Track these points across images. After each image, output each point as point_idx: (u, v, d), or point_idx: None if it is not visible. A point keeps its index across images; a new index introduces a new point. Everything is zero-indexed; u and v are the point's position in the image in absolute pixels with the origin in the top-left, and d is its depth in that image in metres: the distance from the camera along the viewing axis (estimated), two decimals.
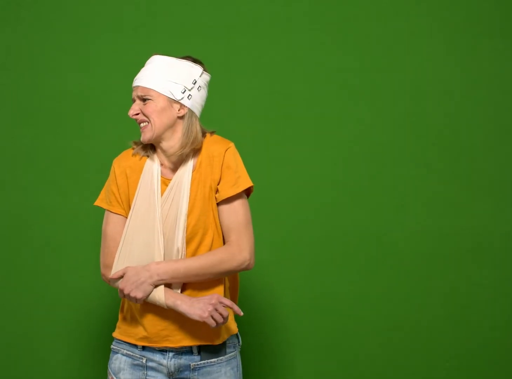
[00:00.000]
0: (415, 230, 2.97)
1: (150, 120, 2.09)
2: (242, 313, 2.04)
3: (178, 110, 2.11)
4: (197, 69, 2.14)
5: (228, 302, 2.03)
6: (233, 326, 2.17)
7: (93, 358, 2.92)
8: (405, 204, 2.97)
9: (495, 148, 2.99)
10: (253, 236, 2.11)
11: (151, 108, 2.09)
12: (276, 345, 2.95)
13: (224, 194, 2.09)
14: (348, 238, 2.96)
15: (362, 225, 2.96)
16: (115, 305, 2.87)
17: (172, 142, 2.12)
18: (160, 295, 2.05)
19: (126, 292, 2.04)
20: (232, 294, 2.22)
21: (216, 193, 2.11)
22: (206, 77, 2.19)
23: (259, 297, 2.95)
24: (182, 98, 2.10)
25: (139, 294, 2.04)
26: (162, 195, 2.12)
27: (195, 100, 2.14)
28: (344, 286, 2.96)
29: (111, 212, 2.16)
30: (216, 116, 2.94)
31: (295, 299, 2.95)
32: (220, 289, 2.12)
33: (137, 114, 2.10)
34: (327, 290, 2.96)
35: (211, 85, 2.94)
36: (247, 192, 2.15)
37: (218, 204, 2.11)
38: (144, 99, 2.10)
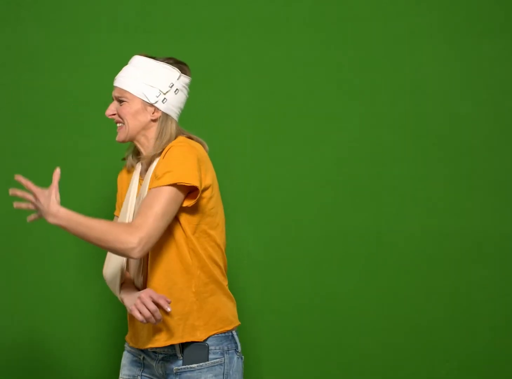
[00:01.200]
0: (415, 230, 2.96)
1: (124, 122, 2.14)
2: (169, 309, 1.99)
3: (152, 114, 2.14)
4: (175, 72, 2.14)
5: (155, 295, 1.99)
6: (199, 334, 2.09)
7: (93, 358, 2.92)
8: (405, 204, 2.97)
9: (495, 148, 2.99)
10: (159, 230, 1.98)
11: (125, 110, 2.13)
12: (275, 345, 2.95)
13: (152, 184, 2.05)
14: (348, 238, 2.96)
15: (362, 225, 2.96)
16: (115, 306, 2.87)
17: (146, 145, 2.16)
18: (117, 289, 2.12)
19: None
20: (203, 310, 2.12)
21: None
22: (185, 79, 2.18)
23: (259, 297, 2.95)
24: (156, 102, 2.12)
25: (36, 216, 2.01)
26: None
27: (171, 104, 2.14)
28: (344, 286, 2.96)
29: (115, 215, 2.31)
30: (216, 116, 2.94)
31: (294, 299, 2.95)
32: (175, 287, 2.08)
33: (113, 114, 2.16)
34: (327, 290, 2.95)
35: (211, 85, 2.95)
36: (189, 191, 2.06)
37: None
38: (120, 100, 2.14)
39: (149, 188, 2.06)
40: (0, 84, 2.89)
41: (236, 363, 2.14)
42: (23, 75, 2.89)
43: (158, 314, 2.00)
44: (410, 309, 2.97)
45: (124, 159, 2.29)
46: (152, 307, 1.99)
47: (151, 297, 2.00)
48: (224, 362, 2.11)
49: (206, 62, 2.94)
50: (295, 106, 2.95)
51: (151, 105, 2.13)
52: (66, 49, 2.90)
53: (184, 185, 2.03)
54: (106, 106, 2.98)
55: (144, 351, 2.17)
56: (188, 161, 2.04)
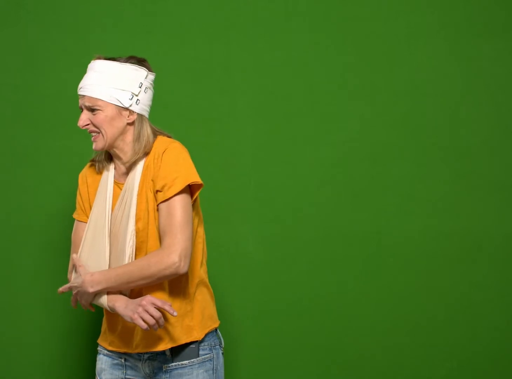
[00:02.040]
0: (415, 230, 2.97)
1: (101, 131, 2.09)
2: (175, 313, 1.99)
3: (128, 117, 2.11)
4: (141, 71, 2.11)
5: (159, 302, 1.98)
6: (196, 333, 2.11)
7: (92, 358, 2.92)
8: (405, 204, 2.97)
9: (495, 148, 2.99)
10: (188, 238, 2.02)
11: (100, 118, 2.08)
12: (274, 345, 2.95)
13: (161, 196, 2.04)
14: (348, 237, 2.96)
15: (362, 225, 2.96)
16: None
17: (125, 149, 2.13)
18: (103, 298, 2.08)
19: (77, 299, 2.11)
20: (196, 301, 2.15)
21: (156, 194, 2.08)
22: (151, 77, 2.16)
23: (258, 297, 2.95)
24: (130, 105, 2.09)
25: (82, 301, 2.10)
26: (117, 200, 2.13)
27: (143, 104, 2.13)
28: (343, 285, 2.96)
29: (76, 220, 2.24)
30: (216, 116, 2.94)
31: (294, 299, 2.95)
32: (160, 294, 2.08)
33: (87, 124, 2.10)
34: (326, 290, 2.95)
35: (211, 85, 2.95)
36: (194, 189, 2.09)
37: (157, 205, 2.06)
38: (92, 110, 2.09)
39: (159, 199, 2.03)
40: (0, 84, 2.89)
41: (221, 358, 2.19)
42: (23, 75, 2.89)
43: (162, 320, 2.00)
44: (410, 309, 2.97)
45: (93, 161, 2.24)
46: (157, 314, 1.98)
47: (153, 304, 1.99)
48: (213, 357, 2.14)
49: (206, 62, 2.94)
50: (295, 106, 2.95)
51: (126, 109, 2.10)
52: (66, 49, 2.90)
53: (191, 185, 2.06)
54: None
55: (126, 353, 2.16)
56: (187, 160, 2.07)
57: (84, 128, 2.12)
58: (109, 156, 2.20)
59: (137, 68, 2.10)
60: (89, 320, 2.91)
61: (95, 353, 2.90)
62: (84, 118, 2.11)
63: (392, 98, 2.97)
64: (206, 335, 2.14)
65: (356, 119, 2.97)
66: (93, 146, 2.13)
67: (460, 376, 2.97)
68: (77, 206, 2.25)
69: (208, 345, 2.14)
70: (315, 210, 2.96)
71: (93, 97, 2.08)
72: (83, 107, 2.11)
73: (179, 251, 1.99)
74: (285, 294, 2.95)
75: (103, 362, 2.21)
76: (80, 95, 2.12)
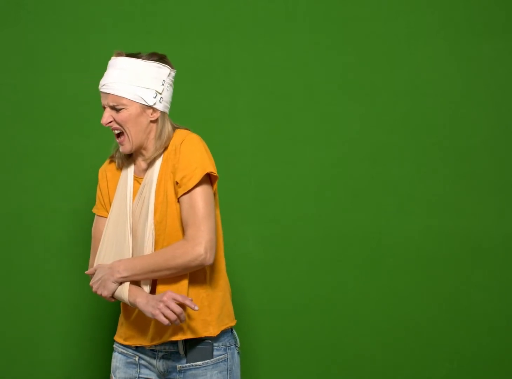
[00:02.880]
0: (415, 231, 2.96)
1: (125, 130, 2.09)
2: (197, 308, 1.99)
3: (151, 115, 2.11)
4: (165, 69, 2.11)
5: (180, 298, 1.99)
6: (212, 329, 2.11)
7: (92, 358, 2.92)
8: (405, 204, 2.97)
9: (495, 148, 2.99)
10: (212, 229, 2.03)
11: (124, 116, 2.08)
12: (274, 345, 2.95)
13: (182, 188, 2.05)
14: (348, 238, 2.96)
15: (362, 225, 2.96)
16: (115, 306, 2.87)
17: (148, 146, 2.13)
18: (124, 292, 2.07)
19: (94, 289, 2.09)
20: (212, 291, 2.14)
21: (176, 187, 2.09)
22: (173, 74, 2.16)
23: (258, 297, 2.95)
24: (154, 104, 2.09)
25: (104, 292, 2.07)
26: (135, 194, 2.14)
27: (166, 101, 2.14)
28: (343, 285, 2.96)
29: (96, 214, 2.23)
30: (216, 116, 2.94)
31: (294, 299, 2.95)
32: (183, 283, 2.08)
33: (111, 122, 2.10)
34: (326, 289, 2.95)
35: (211, 85, 2.95)
36: (213, 180, 2.10)
37: (178, 198, 2.07)
38: (116, 108, 2.08)
39: (180, 192, 2.04)
40: (0, 84, 2.89)
41: (237, 358, 2.18)
42: (23, 75, 2.89)
43: (184, 315, 2.01)
44: (410, 309, 2.97)
45: (112, 157, 2.24)
46: (178, 309, 1.99)
47: (174, 299, 1.99)
48: (227, 358, 2.14)
49: (206, 62, 2.94)
50: (295, 106, 2.95)
51: (150, 107, 2.10)
52: (66, 49, 2.90)
53: (210, 175, 2.07)
54: None
55: (141, 351, 2.16)
56: (205, 152, 2.09)
57: (107, 126, 2.12)
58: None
59: (161, 65, 2.11)
60: (89, 320, 2.91)
61: (96, 353, 2.91)
62: (107, 115, 2.10)
63: (392, 98, 2.97)
64: (221, 335, 2.14)
65: (356, 119, 2.97)
66: (121, 149, 2.14)
67: (460, 376, 2.97)
68: (97, 200, 2.24)
69: (222, 345, 2.14)
70: (315, 210, 2.96)
71: (118, 96, 2.07)
72: (106, 105, 2.10)
73: (204, 243, 2.01)
74: (285, 294, 2.95)
75: (117, 360, 2.21)
76: (102, 93, 2.10)
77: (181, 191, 2.05)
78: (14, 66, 2.89)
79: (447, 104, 2.98)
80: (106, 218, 2.20)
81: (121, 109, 2.08)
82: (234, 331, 2.20)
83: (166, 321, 1.98)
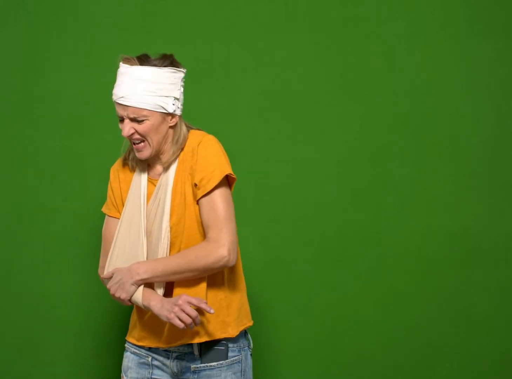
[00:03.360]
0: (415, 230, 2.96)
1: (147, 139, 2.06)
2: (212, 311, 1.99)
3: (170, 121, 2.09)
4: (179, 73, 2.10)
5: (195, 301, 1.98)
6: (231, 330, 2.11)
7: (92, 358, 2.92)
8: (405, 204, 2.97)
9: (495, 148, 2.99)
10: (233, 231, 2.04)
11: (147, 127, 2.05)
12: (274, 345, 2.95)
13: (201, 190, 2.05)
14: (348, 237, 2.96)
15: (362, 225, 2.96)
16: (115, 306, 2.87)
17: (165, 150, 2.12)
18: (138, 295, 2.06)
19: (111, 292, 2.07)
20: (230, 293, 2.15)
21: (194, 189, 2.08)
22: (183, 74, 2.14)
23: (257, 297, 2.95)
24: (174, 110, 2.08)
25: (122, 295, 2.05)
26: (150, 196, 2.12)
27: (181, 104, 2.13)
28: (343, 286, 2.96)
29: (107, 215, 2.20)
30: (216, 116, 2.94)
31: (294, 299, 2.95)
32: (202, 286, 2.08)
33: (132, 133, 2.06)
34: (326, 289, 2.95)
35: (210, 85, 2.95)
36: (230, 182, 2.11)
37: (197, 200, 2.07)
38: (137, 120, 2.05)
39: (199, 194, 2.04)
40: (0, 84, 2.89)
41: (250, 360, 2.18)
42: (23, 75, 2.89)
43: (199, 319, 2.00)
44: (410, 309, 2.97)
45: (125, 160, 2.21)
46: (194, 313, 1.98)
47: (189, 303, 1.98)
48: (241, 359, 2.14)
49: (206, 62, 2.94)
50: (295, 106, 2.95)
51: (169, 114, 2.08)
52: (66, 49, 2.90)
53: (228, 177, 2.07)
54: (106, 106, 2.98)
55: (155, 351, 2.15)
56: (222, 154, 2.09)
57: (129, 138, 2.08)
58: None
59: (175, 70, 2.08)
60: (89, 320, 2.91)
61: (96, 353, 2.91)
62: (129, 128, 2.05)
63: (392, 98, 2.97)
64: (237, 336, 2.13)
65: (356, 119, 2.97)
66: (139, 155, 2.09)
67: (460, 376, 2.97)
68: (108, 201, 2.21)
69: (237, 346, 2.14)
70: (315, 210, 2.96)
71: (139, 108, 2.03)
72: (125, 117, 2.05)
73: (227, 244, 2.01)
74: (285, 294, 2.95)
75: (129, 360, 2.19)
76: (120, 104, 2.05)
77: (200, 193, 2.05)
78: (14, 66, 2.89)
79: (447, 104, 2.98)
80: (118, 219, 2.17)
81: (142, 120, 2.04)
82: (248, 333, 2.20)
83: (181, 325, 1.97)
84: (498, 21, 2.98)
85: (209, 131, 2.80)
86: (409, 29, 2.97)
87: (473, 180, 2.98)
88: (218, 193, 2.04)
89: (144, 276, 2.03)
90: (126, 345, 2.22)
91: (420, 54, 2.97)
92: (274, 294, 2.95)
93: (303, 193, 2.95)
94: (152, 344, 2.14)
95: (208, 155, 2.06)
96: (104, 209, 2.24)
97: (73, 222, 2.90)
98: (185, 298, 1.99)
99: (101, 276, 2.18)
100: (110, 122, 2.90)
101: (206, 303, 2.00)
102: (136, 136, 2.07)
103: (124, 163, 2.21)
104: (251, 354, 2.19)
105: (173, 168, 2.11)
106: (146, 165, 2.16)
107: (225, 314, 2.11)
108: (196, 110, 2.90)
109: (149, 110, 2.04)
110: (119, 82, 2.06)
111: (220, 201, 2.04)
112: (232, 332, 2.11)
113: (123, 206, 2.17)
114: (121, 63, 2.07)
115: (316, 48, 2.96)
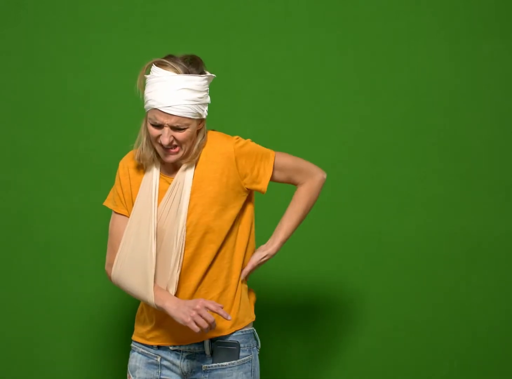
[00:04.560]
0: (415, 230, 2.97)
1: (182, 146, 2.05)
2: (229, 317, 2.00)
3: (200, 124, 2.09)
4: (210, 78, 2.10)
5: (213, 306, 1.99)
6: (247, 319, 2.16)
7: (92, 358, 2.92)
8: (405, 204, 2.97)
9: (495, 148, 2.99)
10: (307, 161, 2.26)
11: (187, 135, 2.04)
12: (274, 345, 2.95)
13: (264, 178, 2.15)
14: (348, 238, 2.96)
15: (362, 225, 2.96)
16: (115, 305, 2.87)
17: (189, 152, 2.09)
18: (149, 295, 2.05)
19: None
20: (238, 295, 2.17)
21: (253, 185, 2.14)
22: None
23: (257, 296, 2.94)
24: (206, 115, 2.09)
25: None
26: (164, 194, 2.10)
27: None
28: (343, 286, 2.96)
29: (115, 212, 2.17)
30: (216, 116, 2.94)
31: (294, 299, 2.95)
32: (230, 291, 2.13)
33: (172, 141, 2.04)
34: (326, 289, 2.95)
35: (211, 85, 2.95)
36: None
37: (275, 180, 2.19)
38: (178, 128, 2.02)
39: (266, 180, 2.15)
40: (0, 84, 2.89)
41: (258, 359, 2.19)
42: (23, 75, 2.89)
43: (215, 323, 2.01)
44: (410, 309, 2.97)
45: (139, 159, 2.11)
46: (211, 318, 1.98)
47: (207, 308, 1.99)
48: (251, 359, 2.15)
49: (206, 62, 2.93)
50: (295, 106, 2.95)
51: (202, 119, 2.08)
52: (66, 49, 2.90)
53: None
54: (106, 106, 2.97)
55: (164, 351, 2.14)
56: (252, 143, 2.19)
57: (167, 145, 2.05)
58: (155, 152, 2.12)
59: (209, 77, 2.09)
60: (89, 320, 2.91)
61: (96, 353, 2.91)
62: (169, 136, 2.02)
63: (392, 98, 2.97)
64: (245, 336, 2.15)
65: (356, 119, 2.97)
66: (167, 159, 2.06)
67: (460, 376, 2.97)
68: (115, 197, 2.15)
69: (247, 346, 2.14)
70: (315, 210, 2.95)
71: (183, 117, 2.02)
72: (166, 125, 2.02)
73: (317, 169, 2.28)
74: (285, 294, 2.95)
75: (137, 360, 2.18)
76: (163, 112, 2.01)
77: (264, 180, 2.16)
78: (14, 66, 2.89)
79: (447, 104, 2.98)
80: (127, 216, 2.14)
81: (184, 129, 2.03)
82: (256, 333, 2.20)
83: (197, 329, 1.98)
84: (498, 21, 2.99)
85: None
86: (409, 29, 2.97)
87: (473, 180, 2.98)
88: (277, 157, 2.19)
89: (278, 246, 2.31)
90: (132, 344, 2.20)
91: (420, 54, 2.97)
92: (274, 294, 2.94)
93: None
94: (165, 343, 2.13)
95: (250, 152, 2.14)
96: (109, 204, 2.19)
97: (73, 222, 2.90)
98: (203, 302, 1.99)
99: (108, 272, 2.16)
100: (110, 122, 2.91)
101: (222, 308, 2.00)
102: (174, 143, 2.04)
103: (137, 160, 2.13)
104: (258, 354, 2.19)
105: (191, 167, 2.09)
106: (159, 162, 2.13)
107: (234, 312, 2.13)
108: None
109: (191, 118, 2.03)
110: (162, 89, 2.01)
111: (284, 159, 2.21)
112: (250, 318, 2.17)
113: (132, 202, 2.14)
114: (160, 69, 2.02)
115: (316, 48, 2.96)
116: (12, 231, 2.89)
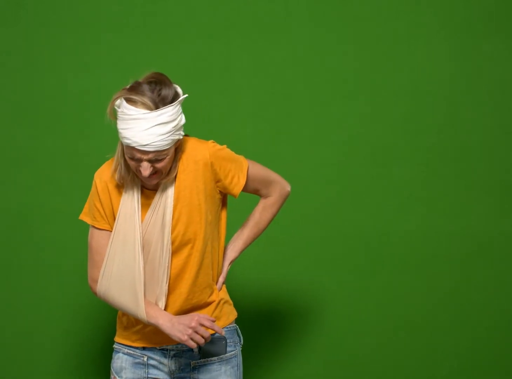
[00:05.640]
0: (415, 230, 2.97)
1: (162, 171, 2.02)
2: (224, 333, 2.06)
3: (177, 143, 2.04)
4: (181, 101, 2.02)
5: (208, 323, 2.01)
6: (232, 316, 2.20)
7: (92, 358, 2.92)
8: (405, 204, 2.97)
9: (495, 148, 2.99)
10: (275, 172, 2.25)
11: (166, 163, 2.01)
12: (274, 345, 2.95)
13: (237, 187, 2.14)
14: (348, 237, 2.96)
15: (362, 225, 2.96)
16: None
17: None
18: (140, 310, 2.05)
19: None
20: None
21: (226, 191, 2.13)
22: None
23: (257, 296, 2.95)
24: (182, 135, 2.04)
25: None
26: (147, 208, 2.08)
27: None
28: (343, 286, 2.96)
29: (95, 227, 2.12)
30: (216, 116, 2.94)
31: (293, 299, 2.95)
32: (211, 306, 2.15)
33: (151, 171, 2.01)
34: (326, 290, 2.95)
35: (211, 85, 2.95)
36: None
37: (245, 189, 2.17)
38: (158, 159, 1.99)
39: (239, 187, 2.14)
40: (0, 84, 2.89)
41: (241, 355, 2.21)
42: (23, 75, 2.89)
43: (210, 337, 2.03)
44: (410, 309, 2.97)
45: (119, 178, 2.08)
46: (207, 334, 2.01)
47: (202, 325, 2.01)
48: (237, 354, 2.18)
49: (206, 62, 2.94)
50: (295, 106, 2.95)
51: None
52: (66, 49, 2.90)
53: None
54: (106, 106, 2.96)
55: (150, 351, 2.14)
56: (227, 150, 2.18)
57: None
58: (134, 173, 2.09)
59: (179, 101, 2.00)
60: (89, 320, 2.91)
61: (97, 353, 2.91)
62: (149, 169, 1.99)
63: (392, 98, 2.97)
64: (230, 331, 2.18)
65: (356, 119, 2.97)
66: (148, 182, 2.04)
67: (460, 376, 2.97)
68: (95, 213, 2.11)
69: (233, 342, 2.17)
70: (315, 210, 2.96)
71: (161, 151, 1.97)
72: (143, 159, 1.98)
73: (283, 180, 2.26)
74: (285, 294, 2.95)
75: (123, 360, 2.17)
76: (140, 150, 1.96)
77: (237, 188, 2.14)
78: (14, 66, 2.89)
79: (447, 104, 2.98)
80: (108, 230, 2.11)
81: (163, 158, 1.99)
82: (238, 329, 2.23)
83: (194, 346, 2.01)
84: (498, 21, 2.99)
85: (209, 132, 2.81)
86: (409, 29, 2.97)
87: (473, 180, 2.98)
88: (250, 168, 2.18)
89: (235, 256, 2.27)
90: (116, 345, 2.19)
91: (420, 54, 2.97)
92: (274, 294, 2.94)
93: (303, 192, 2.95)
94: (151, 345, 2.13)
95: (225, 158, 2.12)
96: (87, 219, 2.14)
97: (73, 222, 2.89)
98: (198, 319, 2.01)
99: (93, 288, 2.14)
100: (110, 122, 2.90)
101: (216, 324, 2.04)
102: (154, 171, 2.01)
103: (117, 181, 2.09)
104: (241, 350, 2.22)
105: (171, 179, 2.06)
106: (140, 179, 2.09)
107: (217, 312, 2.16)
108: (196, 111, 2.90)
109: (169, 148, 1.99)
110: (136, 129, 1.95)
111: (256, 170, 2.20)
112: (231, 317, 2.21)
113: (114, 217, 2.10)
114: (130, 107, 1.97)
115: (316, 48, 2.96)
116: (12, 231, 2.89)
